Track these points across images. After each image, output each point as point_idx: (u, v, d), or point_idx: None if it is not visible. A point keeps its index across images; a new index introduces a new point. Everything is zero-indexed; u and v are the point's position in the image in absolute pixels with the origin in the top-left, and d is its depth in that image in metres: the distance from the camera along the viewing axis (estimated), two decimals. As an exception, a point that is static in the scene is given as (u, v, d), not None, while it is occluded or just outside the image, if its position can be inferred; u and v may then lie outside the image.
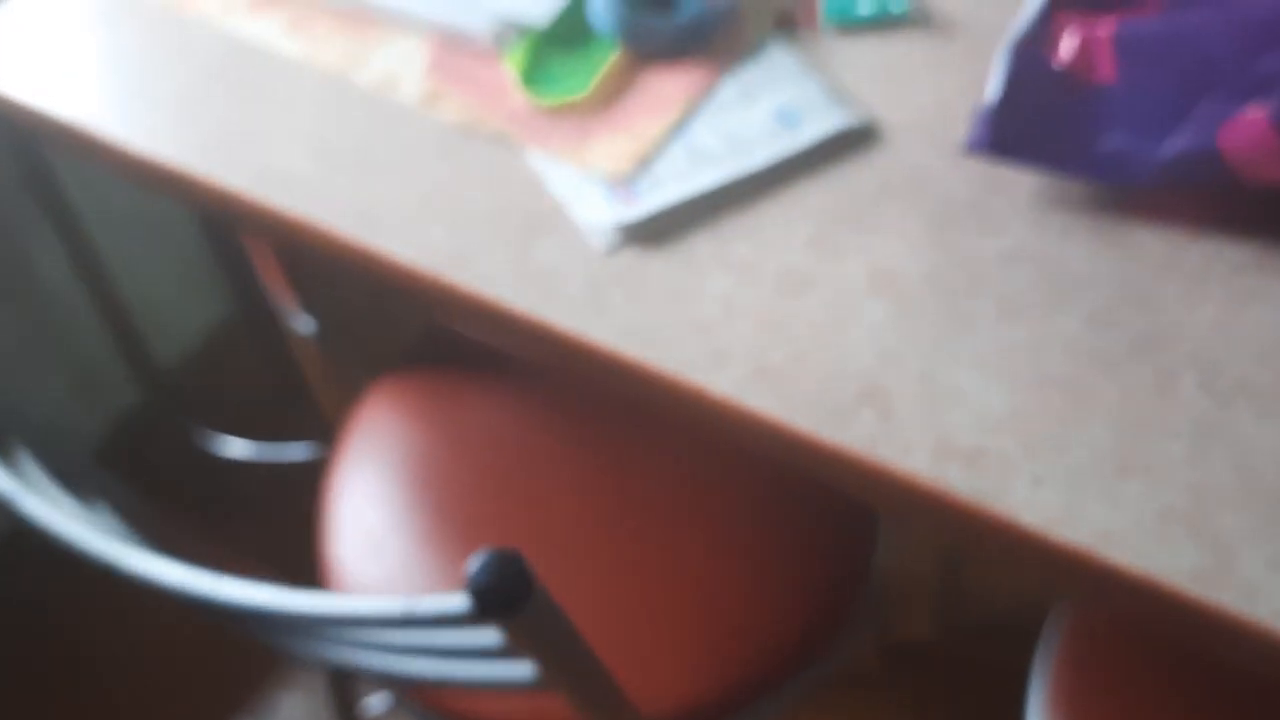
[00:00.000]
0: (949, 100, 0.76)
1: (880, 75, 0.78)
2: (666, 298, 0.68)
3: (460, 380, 1.01)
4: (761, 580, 0.85)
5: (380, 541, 0.94)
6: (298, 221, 0.75)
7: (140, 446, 1.54)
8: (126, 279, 1.46)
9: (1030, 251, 0.67)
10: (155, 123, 0.81)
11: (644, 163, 0.74)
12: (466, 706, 0.84)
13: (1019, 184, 0.70)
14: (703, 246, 0.70)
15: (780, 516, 0.88)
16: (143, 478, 1.52)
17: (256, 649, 1.28)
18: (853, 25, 0.80)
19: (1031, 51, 0.67)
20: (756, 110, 0.75)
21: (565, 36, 0.80)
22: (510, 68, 0.79)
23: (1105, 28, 0.66)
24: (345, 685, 1.09)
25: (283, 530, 1.23)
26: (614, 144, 0.75)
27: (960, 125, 0.73)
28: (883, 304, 0.66)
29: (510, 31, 0.81)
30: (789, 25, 0.81)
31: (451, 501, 0.95)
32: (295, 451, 1.49)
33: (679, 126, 0.76)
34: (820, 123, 0.74)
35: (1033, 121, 0.67)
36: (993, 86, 0.67)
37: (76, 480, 0.67)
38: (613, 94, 0.78)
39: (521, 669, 0.62)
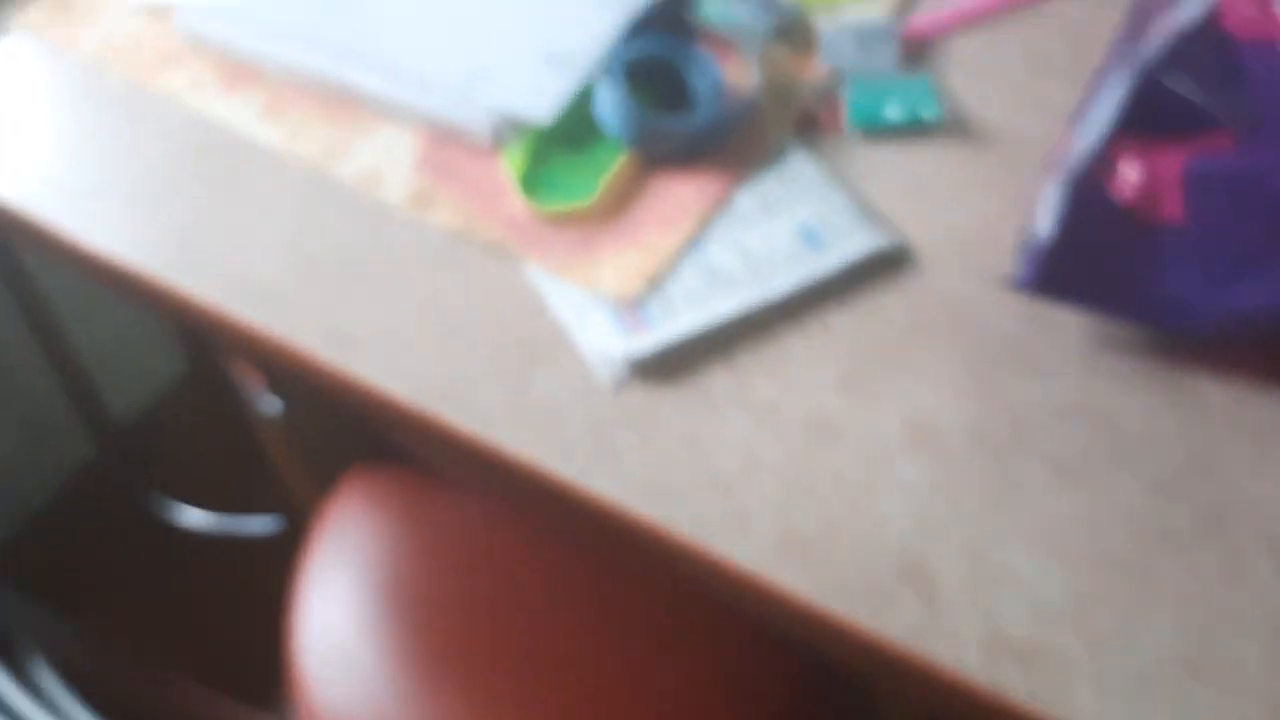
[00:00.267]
0: (986, 219, 0.69)
1: (911, 189, 0.71)
2: (680, 443, 0.61)
3: (436, 477, 0.94)
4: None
5: (350, 657, 0.87)
6: (269, 340, 0.67)
7: (91, 509, 1.45)
8: (82, 331, 1.37)
9: (1082, 403, 0.61)
10: (113, 217, 0.74)
11: (654, 283, 0.67)
12: None
13: (1067, 321, 0.64)
14: (720, 383, 0.63)
15: (767, 676, 0.81)
16: (92, 545, 1.44)
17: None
18: (880, 131, 0.74)
19: (1091, 183, 0.61)
20: (778, 226, 0.69)
21: (569, 135, 0.74)
22: (508, 168, 0.72)
23: (1173, 161, 0.60)
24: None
25: (246, 619, 1.15)
26: (621, 260, 0.68)
27: (1000, 249, 0.67)
28: (920, 460, 0.59)
29: (509, 127, 0.74)
30: (811, 128, 0.75)
31: (426, 618, 0.87)
32: (256, 525, 1.40)
33: (693, 241, 0.69)
34: (848, 244, 0.67)
35: (1088, 260, 0.61)
36: (1045, 220, 0.61)
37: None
38: (620, 201, 0.71)
39: None
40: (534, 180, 0.72)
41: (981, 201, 0.70)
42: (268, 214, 0.73)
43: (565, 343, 0.66)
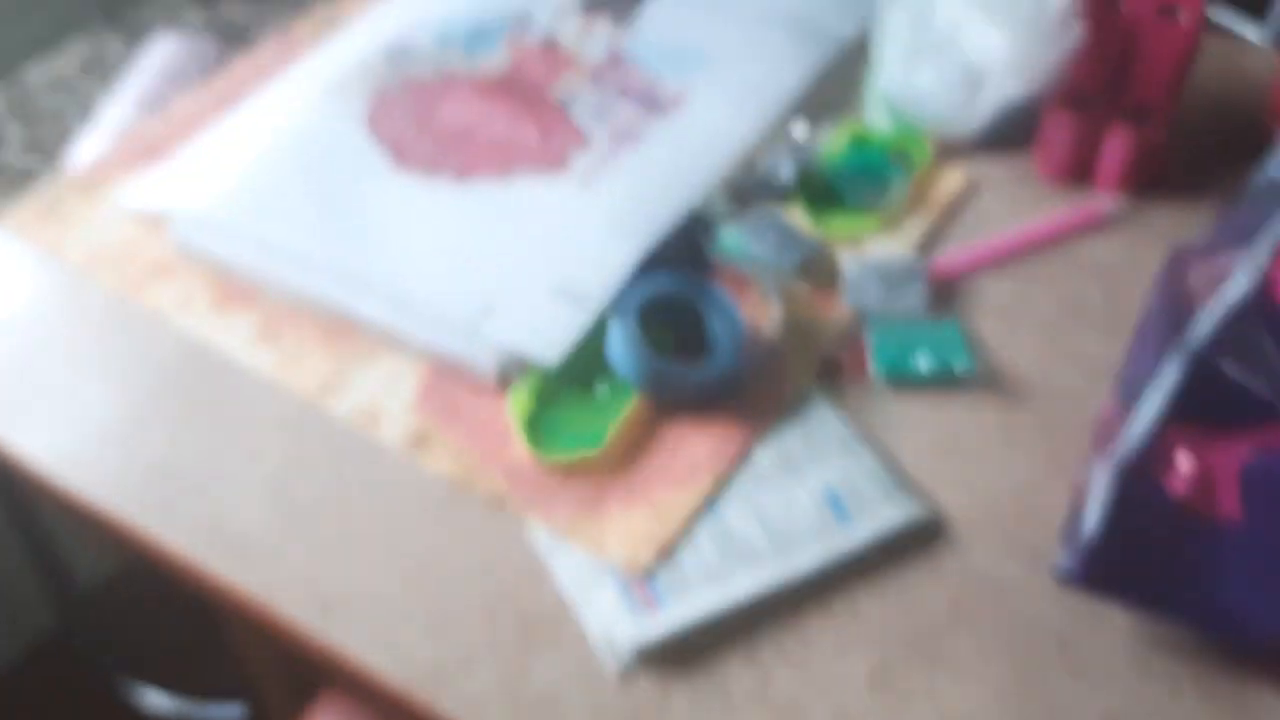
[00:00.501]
0: (1025, 487, 0.65)
1: (941, 447, 0.67)
2: (693, 746, 0.55)
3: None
4: None
5: None
6: (247, 599, 0.62)
7: (52, 683, 1.37)
8: (48, 497, 1.31)
9: (1133, 710, 0.56)
10: (86, 449, 0.69)
11: (666, 551, 0.62)
12: None
13: (1117, 616, 0.59)
14: (738, 677, 0.58)
15: None
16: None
17: None
18: (908, 381, 0.70)
19: (1141, 475, 0.56)
20: (800, 491, 0.64)
21: (578, 376, 0.69)
22: (513, 409, 0.68)
23: (1231, 456, 0.56)
24: None
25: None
26: (631, 521, 0.63)
27: (1041, 523, 0.62)
28: (961, 778, 0.54)
29: (515, 366, 0.70)
30: (835, 374, 0.71)
31: None
32: (221, 712, 1.32)
33: (708, 502, 0.64)
34: (877, 515, 0.62)
35: (1138, 557, 0.56)
36: (1093, 511, 0.56)
37: None
38: (630, 452, 0.67)
39: None
40: (539, 424, 0.68)
41: (1019, 465, 0.66)
42: (253, 453, 0.68)
43: (568, 617, 0.60)
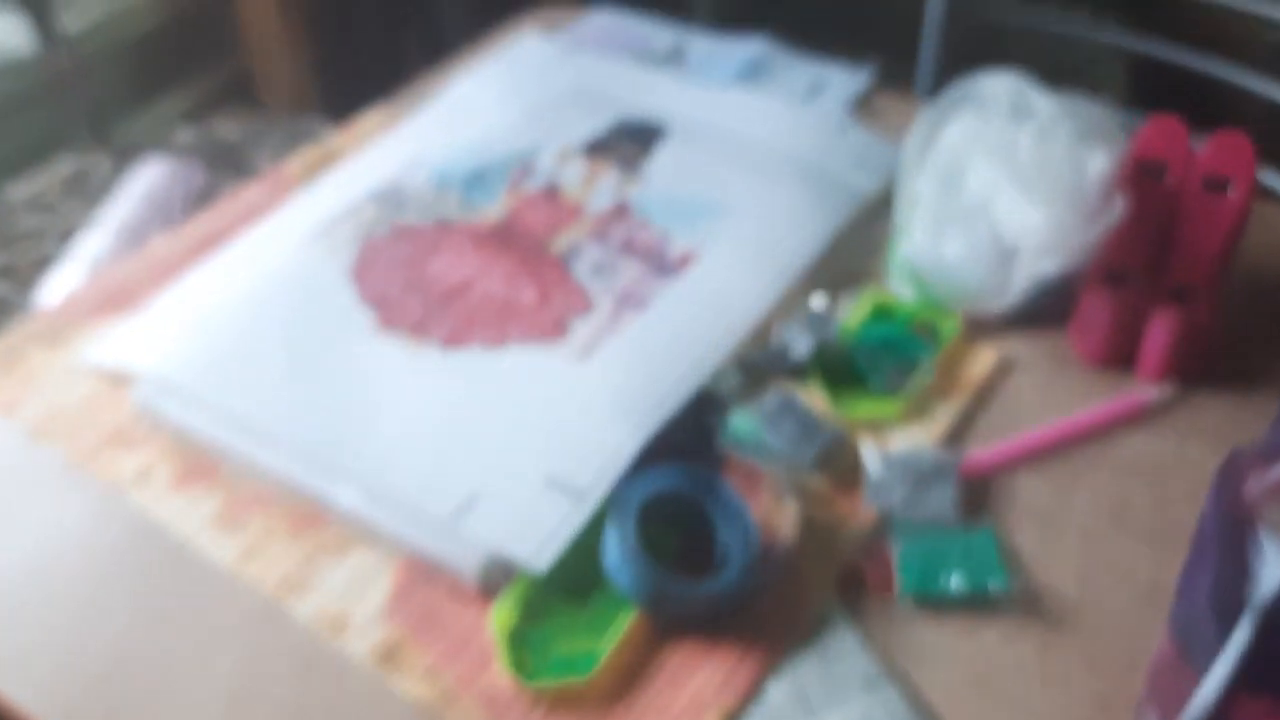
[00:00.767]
0: (1068, 731, 0.58)
1: (975, 685, 0.60)
2: None
3: None
4: None
5: None
6: None
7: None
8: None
9: None
10: (20, 654, 0.62)
11: (664, 805, 0.55)
12: None
13: None
14: None
15: None
16: None
17: None
18: (938, 601, 0.63)
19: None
20: (817, 735, 0.57)
21: (571, 583, 0.63)
22: (495, 624, 0.61)
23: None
24: None
25: None
26: (625, 767, 0.56)
27: (1087, 782, 0.55)
28: None
29: (499, 570, 0.63)
30: (856, 587, 0.64)
31: None
32: None
33: (712, 746, 0.57)
34: (903, 769, 0.55)
35: None
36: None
37: None
38: (625, 679, 0.60)
39: None
40: (525, 642, 0.60)
41: (1061, 708, 0.59)
42: (206, 660, 0.61)
43: None
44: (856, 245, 0.84)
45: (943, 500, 0.66)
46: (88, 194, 1.07)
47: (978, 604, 0.63)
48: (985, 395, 0.74)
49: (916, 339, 0.76)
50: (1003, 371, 0.76)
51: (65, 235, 1.02)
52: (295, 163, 0.92)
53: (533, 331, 0.75)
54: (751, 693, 0.59)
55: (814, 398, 0.72)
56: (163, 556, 0.66)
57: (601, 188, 0.87)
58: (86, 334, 0.78)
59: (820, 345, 0.74)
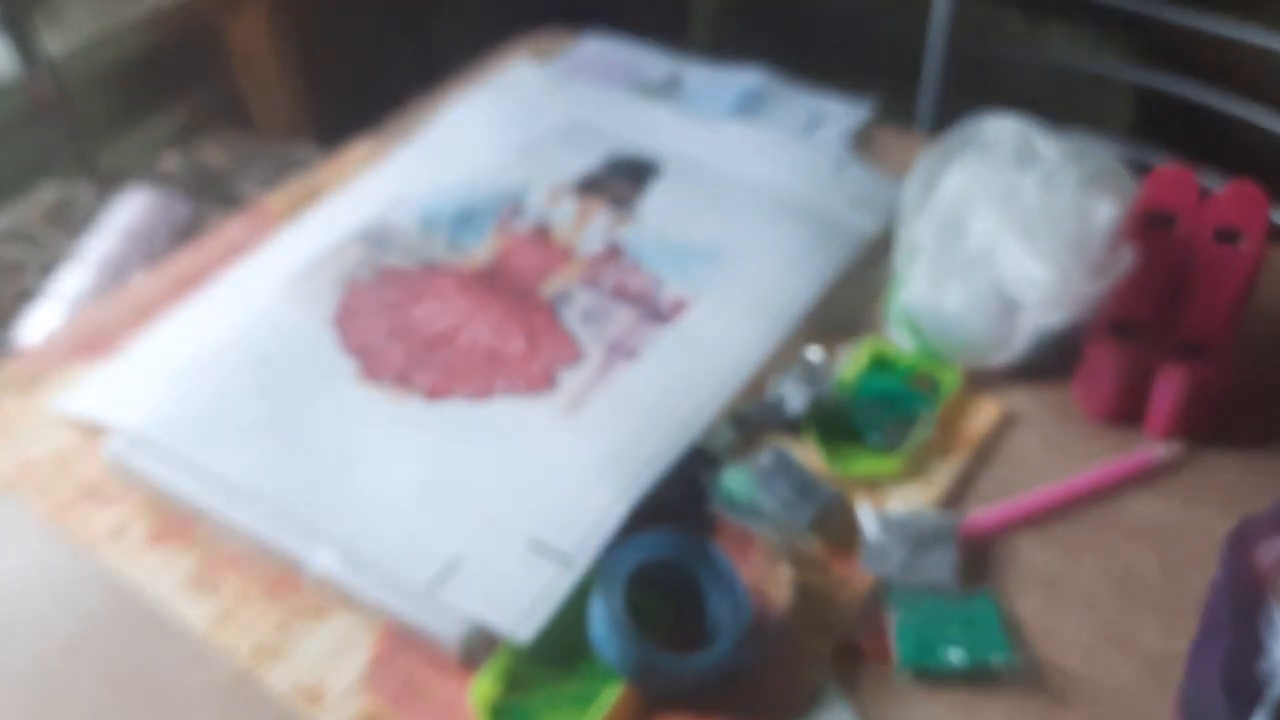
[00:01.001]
0: (1071, 818, 0.55)
1: (976, 763, 0.57)
2: None
3: None
4: None
5: None
6: None
7: None
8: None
9: None
10: (-18, 725, 0.59)
11: None
12: None
13: None
14: None
15: None
16: None
17: None
18: (937, 674, 0.60)
19: None
20: (810, 820, 0.54)
21: (555, 655, 0.60)
22: (476, 699, 0.58)
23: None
24: None
25: None
26: None
27: None
28: None
29: (481, 641, 0.60)
30: (852, 658, 0.61)
31: None
32: None
33: (701, 829, 0.55)
34: None
35: None
36: None
37: None
38: (612, 756, 0.57)
39: None
40: (508, 714, 0.58)
41: (1064, 790, 0.56)
42: (175, 733, 0.59)
43: None
44: (854, 290, 0.82)
45: (942, 565, 0.64)
46: (71, 224, 1.04)
47: (979, 677, 0.60)
48: (987, 452, 0.72)
49: (916, 392, 0.74)
50: (1005, 427, 0.73)
51: (47, 267, 0.99)
52: (279, 198, 0.90)
53: (520, 383, 0.72)
54: (742, 775, 0.56)
55: (809, 454, 0.70)
56: (135, 620, 0.64)
57: (593, 228, 0.84)
58: (62, 380, 0.76)
59: (816, 399, 0.72)
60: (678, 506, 0.66)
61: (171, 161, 1.14)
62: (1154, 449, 0.71)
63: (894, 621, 0.62)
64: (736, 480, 0.68)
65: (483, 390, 0.72)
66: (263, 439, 0.68)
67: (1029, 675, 0.61)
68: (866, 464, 0.70)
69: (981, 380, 0.76)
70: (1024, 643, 0.62)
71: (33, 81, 1.16)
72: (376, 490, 0.66)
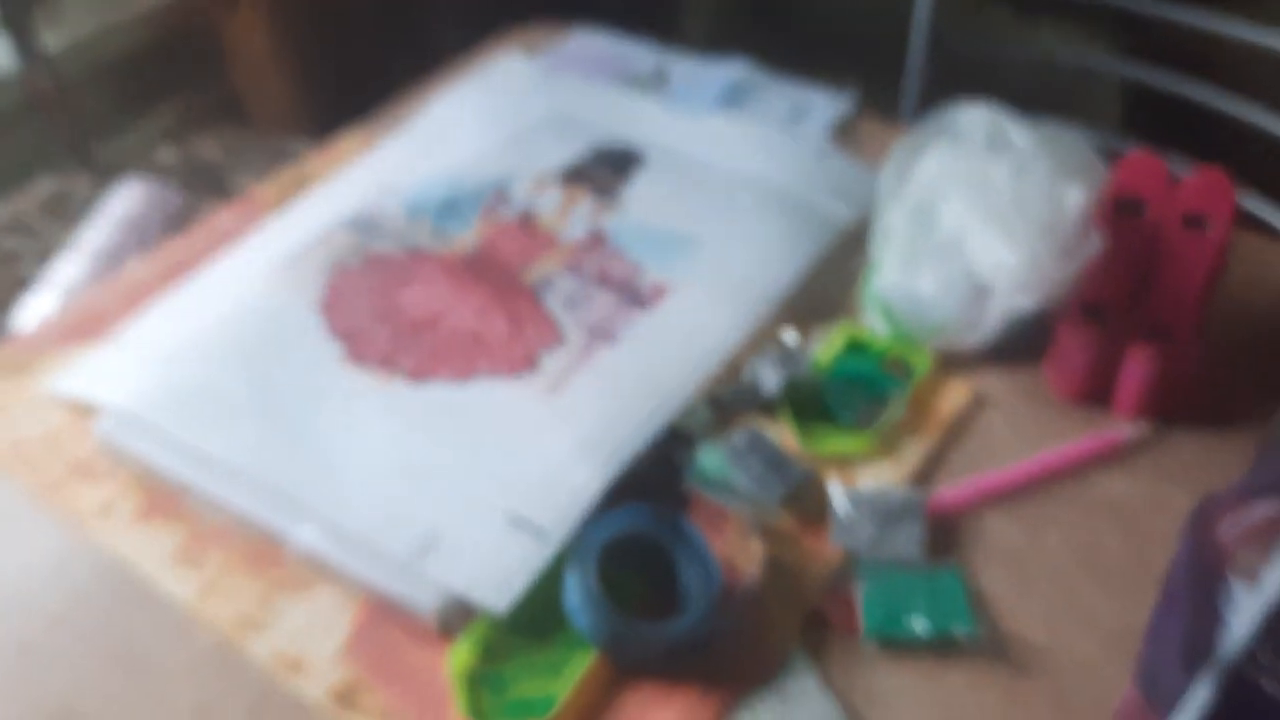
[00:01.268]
0: (1030, 782, 0.57)
1: (938, 728, 0.59)
2: None
3: None
4: None
5: None
6: None
7: None
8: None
9: None
10: (-27, 692, 0.61)
11: None
12: None
13: None
14: None
15: None
16: None
17: None
18: (901, 643, 0.62)
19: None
20: (775, 784, 0.56)
21: (531, 625, 0.62)
22: (453, 667, 0.60)
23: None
24: None
25: None
26: (579, 813, 0.55)
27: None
28: None
29: (458, 611, 0.62)
30: (820, 628, 0.63)
31: None
32: None
33: (669, 791, 0.56)
34: (861, 821, 0.54)
35: None
36: None
37: None
38: (583, 719, 0.59)
39: None
40: (483, 684, 0.60)
41: (1023, 755, 0.58)
42: (162, 700, 0.60)
43: None
44: (832, 277, 0.83)
45: (910, 540, 0.65)
46: (67, 216, 1.06)
47: (943, 647, 0.62)
48: (957, 431, 0.73)
49: (888, 374, 0.75)
50: (976, 407, 0.75)
51: (43, 257, 1.01)
52: (269, 187, 0.91)
53: (502, 365, 0.74)
54: (710, 738, 0.58)
55: (783, 434, 0.72)
56: (122, 593, 0.65)
57: (577, 216, 0.86)
58: (54, 363, 0.78)
59: (790, 380, 0.73)
60: (653, 484, 0.68)
61: (167, 155, 1.16)
62: (1122, 429, 0.73)
63: (861, 593, 0.63)
64: (711, 459, 0.69)
65: (465, 372, 0.73)
66: (248, 418, 0.70)
67: (992, 646, 0.62)
68: (838, 443, 0.71)
69: (954, 363, 0.77)
70: (988, 615, 0.64)
71: (31, 77, 1.18)
72: (359, 467, 0.68)
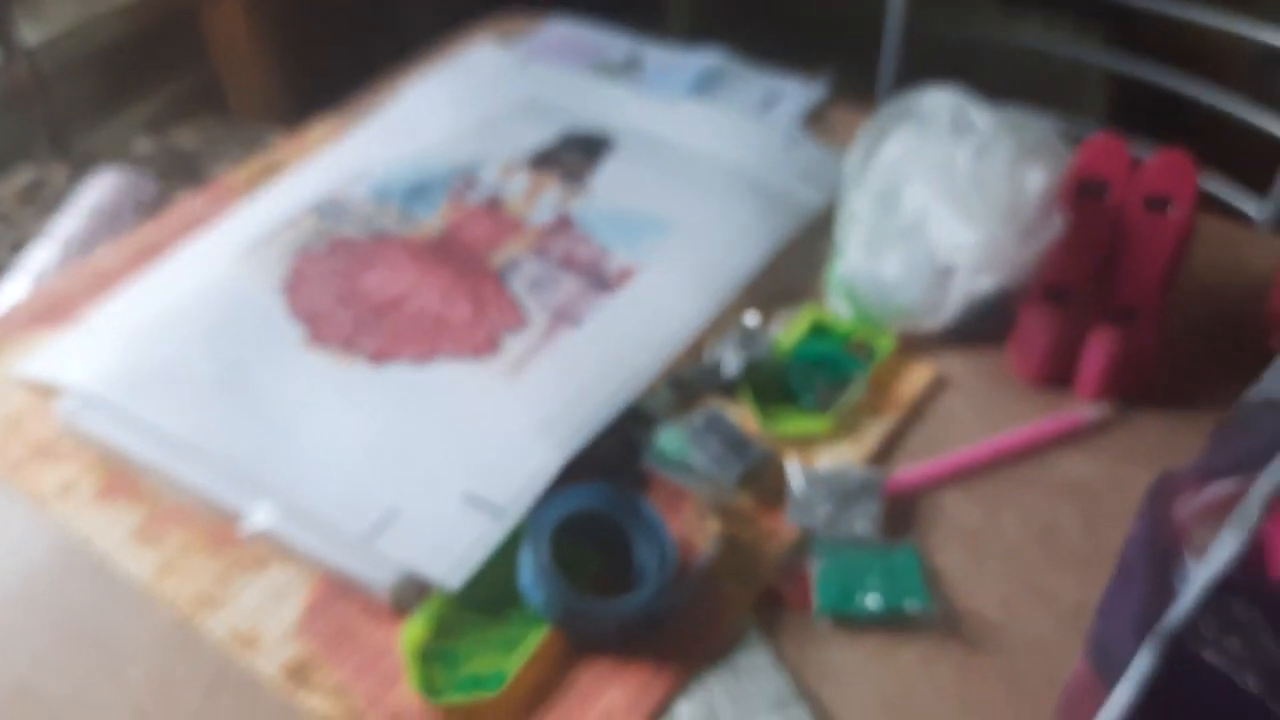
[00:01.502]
0: (980, 756, 0.57)
1: (889, 707, 0.59)
2: None
3: None
4: None
5: None
6: None
7: None
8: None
9: None
10: (-72, 669, 0.61)
11: (565, 827, 0.54)
12: None
13: None
14: None
15: None
16: None
17: None
18: (855, 620, 0.62)
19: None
20: (724, 757, 0.56)
21: (482, 601, 0.62)
22: (405, 643, 0.60)
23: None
24: None
25: None
26: (528, 788, 0.55)
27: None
28: None
29: (411, 588, 0.62)
30: (775, 605, 0.63)
31: None
32: None
33: (618, 766, 0.56)
34: (808, 794, 0.54)
35: None
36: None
37: None
38: (534, 696, 0.59)
39: None
40: (435, 658, 0.60)
41: (975, 730, 0.58)
42: (118, 677, 0.60)
43: None
44: (799, 261, 0.83)
45: (866, 519, 0.65)
46: (43, 204, 1.06)
47: (896, 624, 0.62)
48: (918, 412, 0.73)
49: (851, 357, 0.75)
50: (938, 389, 0.75)
51: (17, 245, 1.01)
52: (240, 173, 0.91)
53: (463, 346, 0.74)
54: (661, 711, 0.58)
55: (744, 415, 0.72)
56: (81, 572, 0.65)
57: (544, 201, 0.86)
58: (21, 347, 0.78)
59: (751, 362, 0.73)
60: (612, 463, 0.68)
61: (143, 145, 1.16)
62: (1083, 410, 0.73)
63: (816, 571, 0.63)
64: (670, 439, 0.69)
65: (427, 353, 0.73)
66: (209, 398, 0.70)
67: (947, 623, 0.62)
68: (798, 424, 0.71)
69: (918, 346, 0.77)
70: (943, 592, 0.64)
71: (10, 69, 1.18)
72: (318, 447, 0.68)
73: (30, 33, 1.24)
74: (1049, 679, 0.59)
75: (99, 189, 0.99)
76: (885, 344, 0.76)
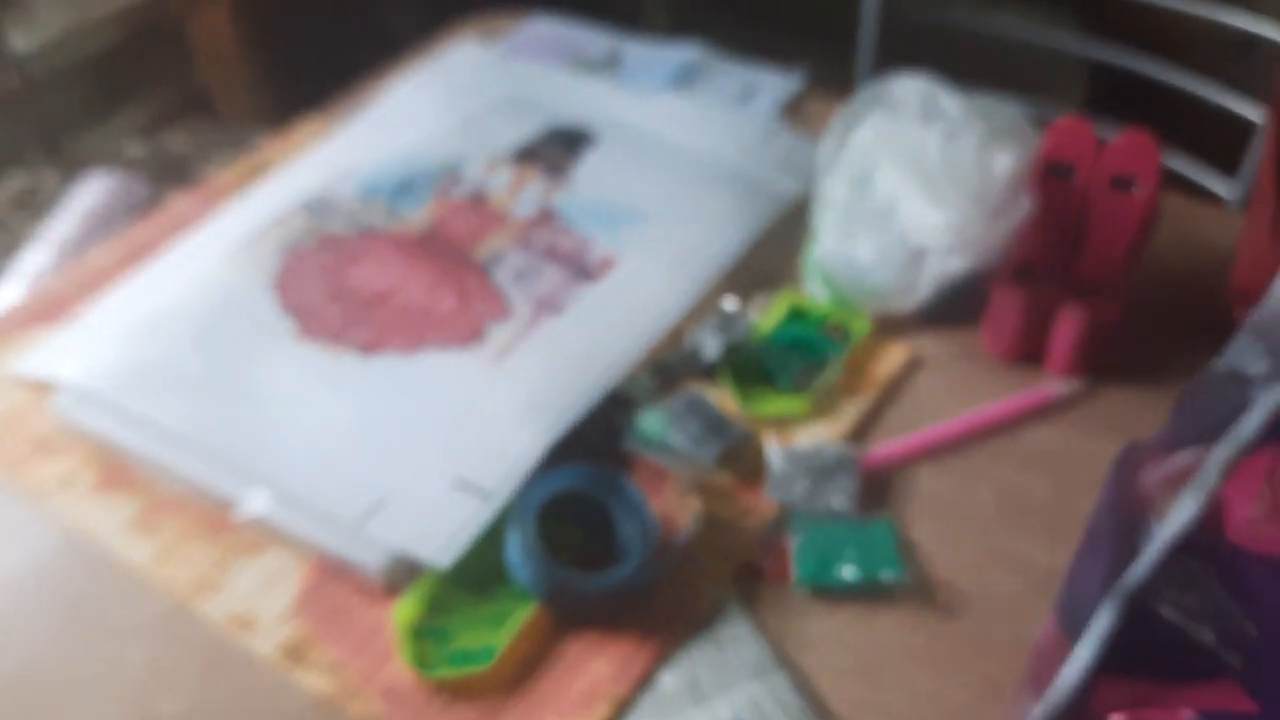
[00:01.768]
0: (952, 714, 0.59)
1: (866, 671, 0.61)
2: None
3: None
4: None
5: None
6: None
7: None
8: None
9: None
10: (-66, 656, 0.63)
11: (554, 793, 0.56)
12: None
13: None
14: None
15: None
16: None
17: None
18: (832, 590, 0.64)
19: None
20: (706, 722, 0.58)
21: (474, 579, 0.64)
22: (397, 620, 0.62)
23: (1170, 719, 0.50)
24: None
25: None
26: (518, 756, 0.57)
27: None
28: None
29: (403, 569, 0.64)
30: (754, 577, 0.65)
31: None
32: None
33: (605, 734, 0.58)
34: (788, 756, 0.56)
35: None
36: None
37: None
38: (523, 669, 0.61)
39: None
40: (426, 635, 0.62)
41: (950, 692, 0.60)
42: (117, 660, 0.62)
43: None
44: (776, 247, 0.85)
45: (842, 494, 0.68)
46: (36, 209, 1.08)
47: (872, 594, 0.64)
48: (894, 392, 0.75)
49: (827, 339, 0.77)
50: (913, 368, 0.77)
51: (11, 250, 1.03)
52: (229, 173, 0.93)
53: (449, 337, 0.76)
54: (645, 681, 0.60)
55: (724, 397, 0.74)
56: (82, 560, 0.67)
57: (527, 194, 0.88)
58: (17, 346, 0.80)
59: (730, 346, 0.75)
60: (595, 445, 0.70)
61: (135, 149, 1.18)
62: (1053, 385, 0.75)
63: (795, 544, 0.65)
64: (651, 421, 0.71)
65: (414, 344, 0.75)
66: (202, 391, 0.72)
67: (921, 591, 0.64)
68: (776, 404, 0.73)
69: (893, 327, 0.79)
70: (918, 563, 0.66)
71: (1, 76, 1.20)
72: (310, 436, 0.70)
73: (20, 40, 1.26)
74: (1018, 640, 0.61)
75: (91, 192, 1.01)
76: (861, 326, 0.78)
